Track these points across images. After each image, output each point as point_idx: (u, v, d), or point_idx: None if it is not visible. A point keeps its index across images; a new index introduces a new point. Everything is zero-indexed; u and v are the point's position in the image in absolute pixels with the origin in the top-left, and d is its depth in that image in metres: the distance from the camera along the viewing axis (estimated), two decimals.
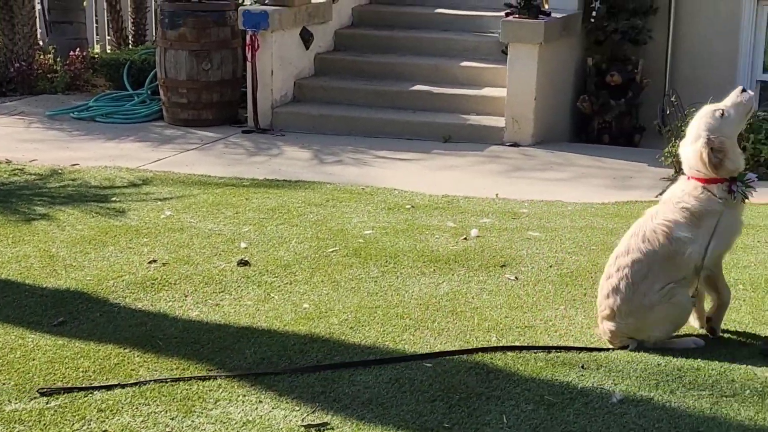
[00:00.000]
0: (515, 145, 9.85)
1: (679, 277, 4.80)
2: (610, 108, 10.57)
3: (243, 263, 6.15)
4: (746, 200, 4.89)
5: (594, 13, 10.55)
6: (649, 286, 4.79)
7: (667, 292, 4.75)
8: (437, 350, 4.86)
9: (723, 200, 4.81)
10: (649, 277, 4.79)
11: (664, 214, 4.87)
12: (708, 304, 5.06)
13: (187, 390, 4.46)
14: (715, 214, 4.80)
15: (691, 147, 4.86)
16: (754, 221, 7.02)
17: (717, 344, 4.90)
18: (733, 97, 4.90)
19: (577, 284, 5.81)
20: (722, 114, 4.83)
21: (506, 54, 10.02)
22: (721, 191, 4.82)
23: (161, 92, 10.84)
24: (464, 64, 10.80)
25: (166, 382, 4.52)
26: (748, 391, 4.36)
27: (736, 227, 4.94)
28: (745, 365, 4.62)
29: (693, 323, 5.07)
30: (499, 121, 10.03)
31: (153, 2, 13.47)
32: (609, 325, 4.89)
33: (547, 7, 10.22)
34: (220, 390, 4.46)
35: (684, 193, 4.87)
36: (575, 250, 6.47)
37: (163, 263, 6.17)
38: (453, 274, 5.99)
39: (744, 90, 4.91)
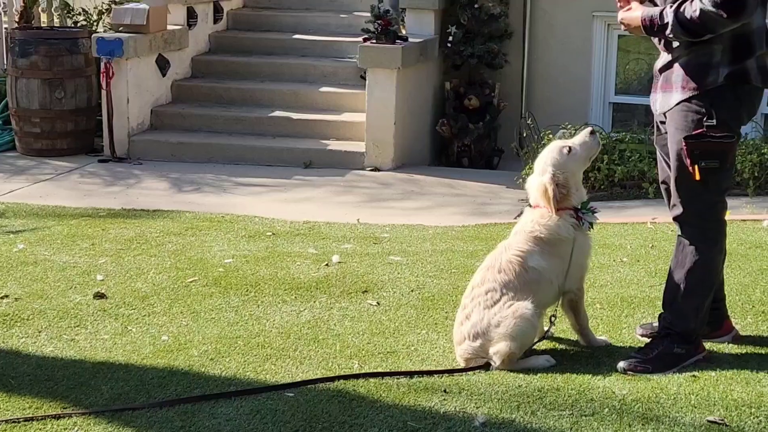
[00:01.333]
0: (376, 169, 9.88)
1: (536, 300, 4.84)
2: (469, 131, 10.68)
3: (99, 296, 6.00)
4: (591, 228, 4.99)
5: (450, 38, 10.67)
6: (499, 309, 4.82)
7: (514, 309, 4.79)
8: (299, 379, 4.80)
9: (573, 226, 4.89)
10: (502, 300, 4.83)
11: (517, 245, 4.92)
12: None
13: (40, 430, 4.30)
14: (569, 241, 4.88)
15: (537, 180, 4.94)
16: (609, 240, 7.15)
17: (576, 364, 4.95)
18: (582, 136, 5.00)
19: (439, 308, 5.82)
20: (569, 150, 4.92)
21: (365, 79, 10.06)
22: (570, 219, 4.90)
23: (13, 122, 10.58)
24: (323, 89, 10.80)
25: (18, 422, 4.35)
26: (606, 410, 4.41)
27: (588, 249, 5.05)
28: (603, 384, 4.67)
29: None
30: (359, 146, 10.05)
31: (3, 30, 13.11)
32: (460, 351, 4.91)
33: (404, 32, 10.32)
34: (76, 428, 4.32)
35: (533, 222, 4.93)
36: (436, 273, 6.49)
37: (16, 298, 5.98)
38: (315, 301, 5.95)
39: (593, 133, 5.01)
